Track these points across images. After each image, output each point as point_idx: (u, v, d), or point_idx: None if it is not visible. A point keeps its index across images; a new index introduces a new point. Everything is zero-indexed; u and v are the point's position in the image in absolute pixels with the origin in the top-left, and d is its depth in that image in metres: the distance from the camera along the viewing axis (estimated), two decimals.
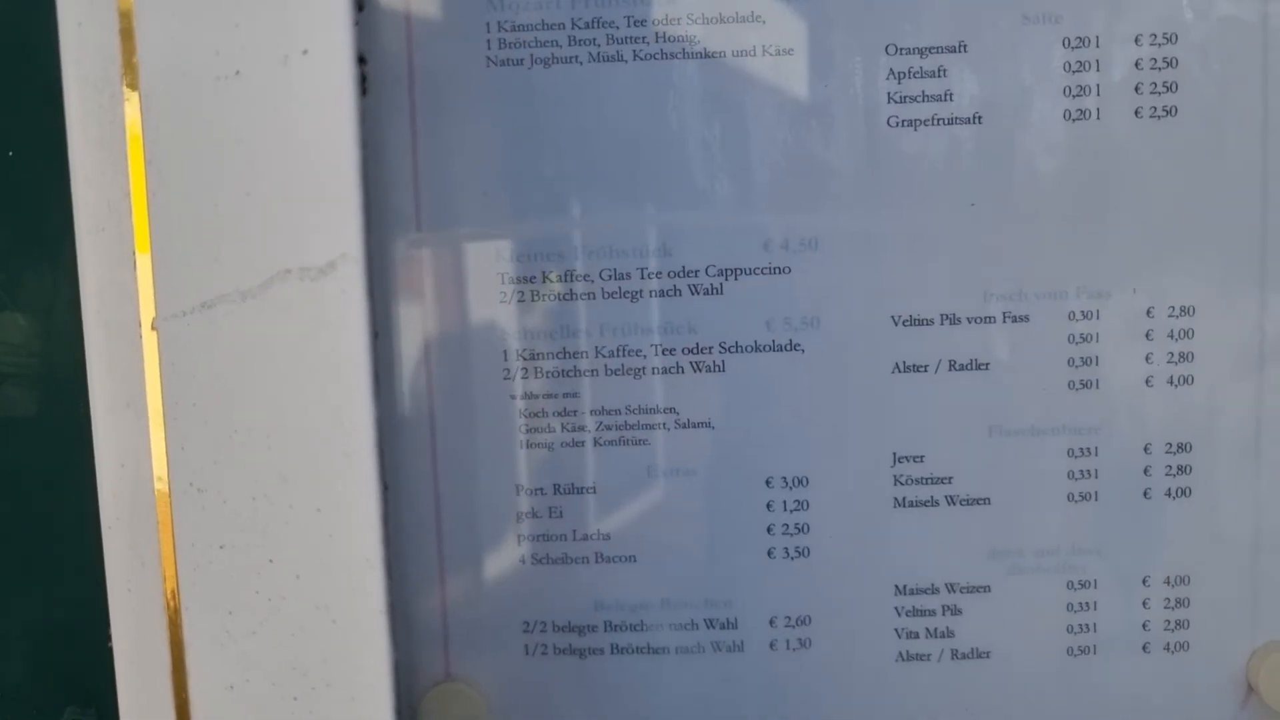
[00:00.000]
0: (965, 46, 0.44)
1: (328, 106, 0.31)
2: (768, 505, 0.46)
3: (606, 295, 0.45)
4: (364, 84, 0.32)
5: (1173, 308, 0.45)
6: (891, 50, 0.44)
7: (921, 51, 0.44)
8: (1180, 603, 0.46)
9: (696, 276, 0.45)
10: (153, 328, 0.36)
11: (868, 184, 0.45)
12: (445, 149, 0.44)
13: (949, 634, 0.46)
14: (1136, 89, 0.44)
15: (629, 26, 0.44)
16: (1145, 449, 0.46)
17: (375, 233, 0.36)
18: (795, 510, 0.46)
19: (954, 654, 0.46)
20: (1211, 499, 0.46)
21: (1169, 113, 0.44)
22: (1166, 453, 0.46)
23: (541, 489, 0.46)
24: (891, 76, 0.44)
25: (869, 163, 0.45)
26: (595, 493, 0.46)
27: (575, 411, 0.45)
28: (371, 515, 0.33)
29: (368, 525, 0.33)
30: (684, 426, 0.45)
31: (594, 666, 0.46)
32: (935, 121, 0.44)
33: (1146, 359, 0.45)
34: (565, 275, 0.45)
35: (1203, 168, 0.45)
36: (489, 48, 0.44)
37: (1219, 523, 0.46)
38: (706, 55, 0.44)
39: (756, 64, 0.44)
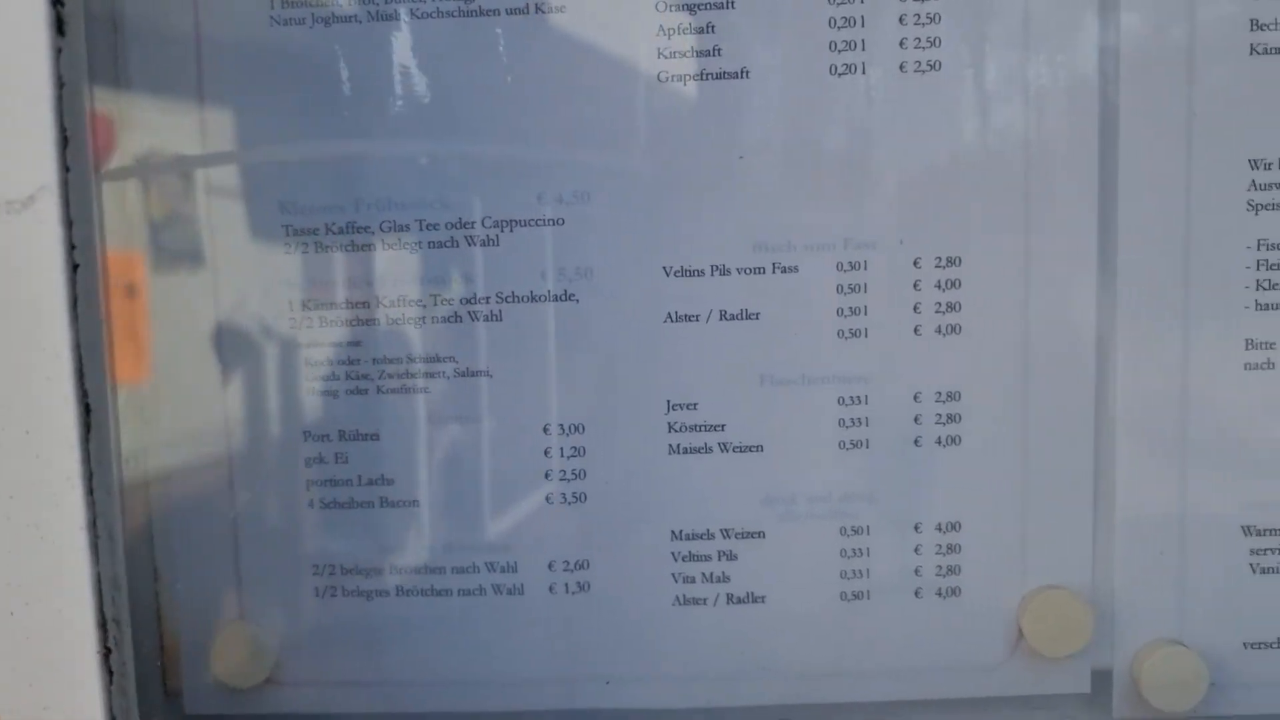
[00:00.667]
0: (733, 3, 0.45)
1: (22, 45, 0.32)
2: (545, 452, 0.47)
3: (386, 246, 0.46)
4: (60, 25, 0.33)
5: (939, 258, 0.46)
6: (661, 7, 0.45)
7: (690, 8, 0.45)
8: (951, 549, 0.47)
9: (473, 228, 0.46)
10: None
11: (639, 137, 0.46)
12: (233, 106, 0.46)
13: (724, 579, 0.47)
14: (901, 44, 0.45)
15: None
16: (915, 397, 0.47)
17: None
18: (572, 457, 0.47)
19: (729, 598, 0.48)
20: (981, 447, 0.47)
21: (933, 67, 0.45)
22: (936, 401, 0.47)
23: (327, 435, 0.47)
24: (662, 33, 0.45)
25: (640, 116, 0.46)
26: (378, 439, 0.47)
27: (358, 360, 0.47)
28: (71, 436, 0.34)
29: (68, 446, 0.34)
30: (463, 375, 0.47)
31: (380, 608, 0.48)
32: (704, 76, 0.45)
33: (914, 309, 0.46)
34: (346, 227, 0.46)
35: (966, 121, 0.45)
36: (273, 7, 0.45)
37: (988, 470, 0.47)
38: (482, 13, 0.45)
39: (530, 20, 0.45)
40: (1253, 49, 0.45)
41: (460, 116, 0.46)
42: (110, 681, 0.35)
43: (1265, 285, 0.46)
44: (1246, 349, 0.46)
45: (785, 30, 0.45)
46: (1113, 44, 0.45)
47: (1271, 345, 0.46)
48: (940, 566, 0.47)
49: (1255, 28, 0.45)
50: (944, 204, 0.46)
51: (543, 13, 0.45)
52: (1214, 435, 0.47)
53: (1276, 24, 0.45)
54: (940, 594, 0.47)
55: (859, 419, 0.47)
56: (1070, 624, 0.46)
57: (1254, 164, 0.46)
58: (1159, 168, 0.45)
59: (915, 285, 0.46)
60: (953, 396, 0.47)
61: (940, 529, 0.47)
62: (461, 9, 0.45)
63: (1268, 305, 0.46)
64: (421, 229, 0.46)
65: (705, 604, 0.47)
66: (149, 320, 0.46)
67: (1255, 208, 0.46)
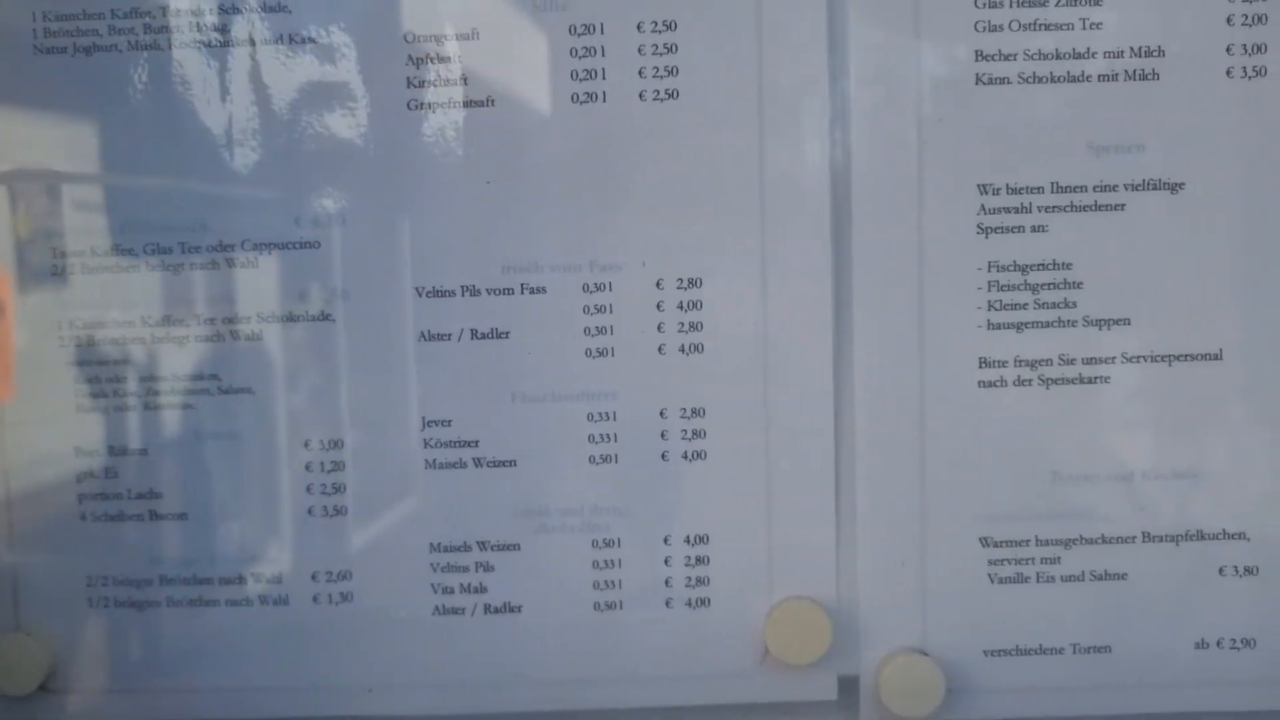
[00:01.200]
0: (478, 34, 0.47)
1: None
2: (306, 466, 0.49)
3: (150, 268, 0.48)
4: None
5: (681, 280, 0.48)
6: (410, 38, 0.47)
7: (438, 39, 0.47)
8: (700, 560, 0.49)
9: (233, 250, 0.48)
10: None
11: (390, 164, 0.47)
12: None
13: (482, 589, 0.49)
14: (640, 73, 0.47)
15: (164, 16, 0.47)
16: (661, 414, 0.48)
17: None
18: (332, 471, 0.49)
19: (487, 608, 0.49)
20: (726, 461, 0.48)
21: (671, 95, 0.47)
22: (681, 417, 0.48)
23: (97, 451, 0.49)
24: (411, 62, 0.47)
25: (392, 143, 0.47)
26: (147, 454, 0.49)
27: (125, 378, 0.48)
28: None
29: None
30: (226, 392, 0.48)
31: (151, 618, 0.49)
32: (452, 104, 0.47)
33: (658, 328, 0.48)
34: (113, 249, 0.48)
35: (704, 146, 0.47)
36: (35, 37, 0.47)
37: (734, 484, 0.48)
38: (239, 43, 0.47)
39: (283, 51, 0.47)
40: (978, 79, 0.47)
41: (220, 142, 0.47)
42: None
43: (996, 305, 0.48)
44: (980, 367, 0.48)
45: (528, 60, 0.47)
46: (843, 75, 0.47)
47: (1003, 363, 0.48)
48: (690, 578, 0.49)
49: (980, 58, 0.47)
50: (684, 227, 0.47)
51: (296, 43, 0.47)
52: (951, 450, 0.48)
53: (1000, 55, 0.47)
54: (690, 604, 0.49)
55: (608, 435, 0.48)
56: (810, 633, 0.48)
57: (982, 189, 0.47)
58: (891, 193, 0.47)
59: (659, 306, 0.48)
60: (697, 413, 0.48)
61: (689, 541, 0.49)
62: (219, 40, 0.47)
63: (999, 325, 0.48)
64: (183, 251, 0.48)
65: (464, 614, 0.49)
66: None
67: (985, 231, 0.48)
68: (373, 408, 0.48)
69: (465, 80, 0.47)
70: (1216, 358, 0.48)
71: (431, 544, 0.49)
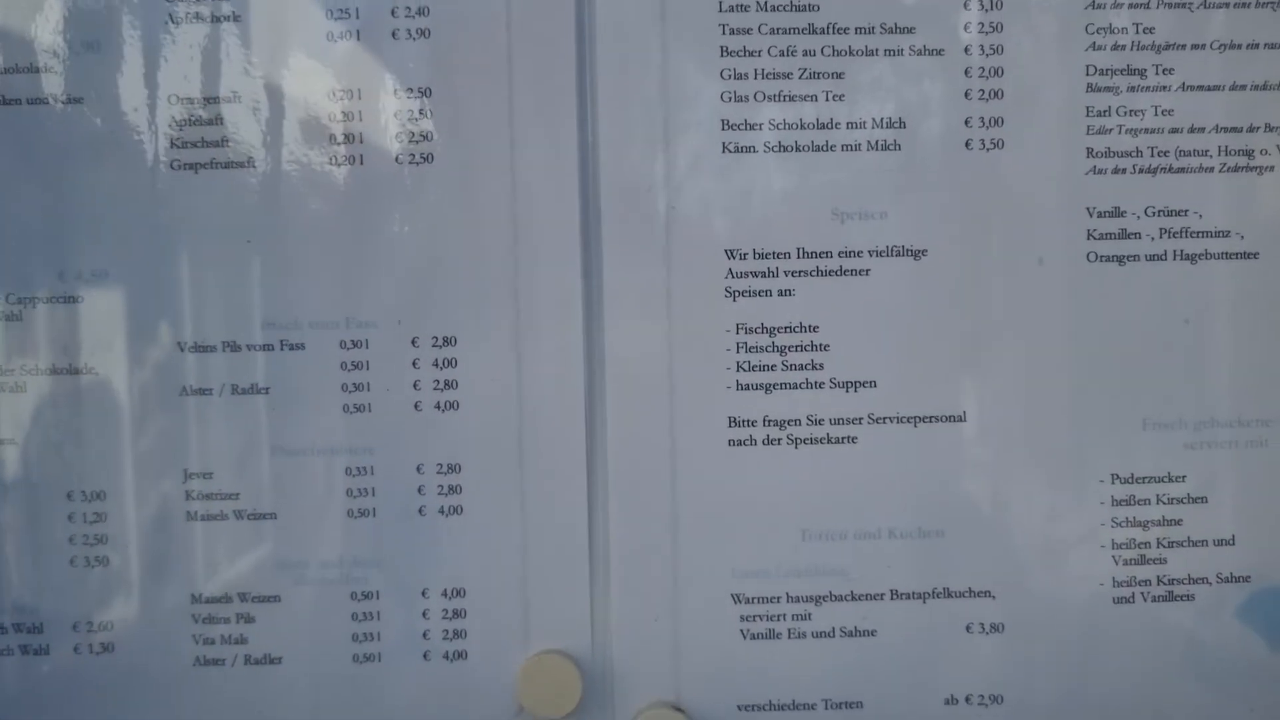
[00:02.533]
0: (239, 96, 0.48)
1: None
2: (69, 517, 0.49)
3: None
4: None
5: (436, 338, 0.49)
6: (173, 99, 0.48)
7: (203, 101, 0.48)
8: (457, 614, 0.50)
9: None
10: None
11: (152, 221, 0.48)
12: None
13: (242, 640, 0.50)
14: (396, 136, 0.48)
15: None
16: (418, 469, 0.49)
17: None
18: (95, 522, 0.49)
19: (247, 659, 0.50)
20: (482, 516, 0.49)
21: (426, 159, 0.48)
22: (438, 473, 0.49)
23: None
24: (174, 124, 0.48)
25: (156, 200, 0.48)
26: None
27: None
28: None
29: None
30: None
31: None
32: (214, 164, 0.48)
33: (414, 385, 0.49)
34: None
35: (458, 209, 0.48)
36: None
37: (490, 539, 0.49)
38: (7, 102, 0.48)
39: (52, 110, 0.48)
40: (725, 147, 0.49)
41: None
42: None
43: (745, 366, 0.49)
44: (730, 426, 0.49)
45: (290, 120, 0.48)
46: (593, 141, 0.48)
47: (753, 423, 0.49)
48: (447, 630, 0.50)
49: (726, 127, 0.48)
50: (439, 287, 0.49)
51: (64, 103, 0.48)
52: (702, 508, 0.49)
53: (746, 125, 0.48)
54: (448, 657, 0.50)
55: (366, 489, 0.49)
56: (561, 686, 0.49)
57: (730, 254, 0.49)
58: (641, 258, 0.49)
59: (414, 363, 0.49)
60: (453, 469, 0.49)
61: (446, 595, 0.50)
62: None
63: (748, 385, 0.49)
64: None
65: (224, 664, 0.50)
66: None
67: (733, 294, 0.49)
68: (135, 460, 0.49)
69: (226, 141, 0.48)
70: (960, 419, 0.50)
71: (192, 595, 0.49)
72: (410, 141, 0.48)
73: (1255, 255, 0.50)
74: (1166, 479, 0.50)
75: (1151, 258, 0.50)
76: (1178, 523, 0.50)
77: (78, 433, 0.49)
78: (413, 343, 0.49)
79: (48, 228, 0.49)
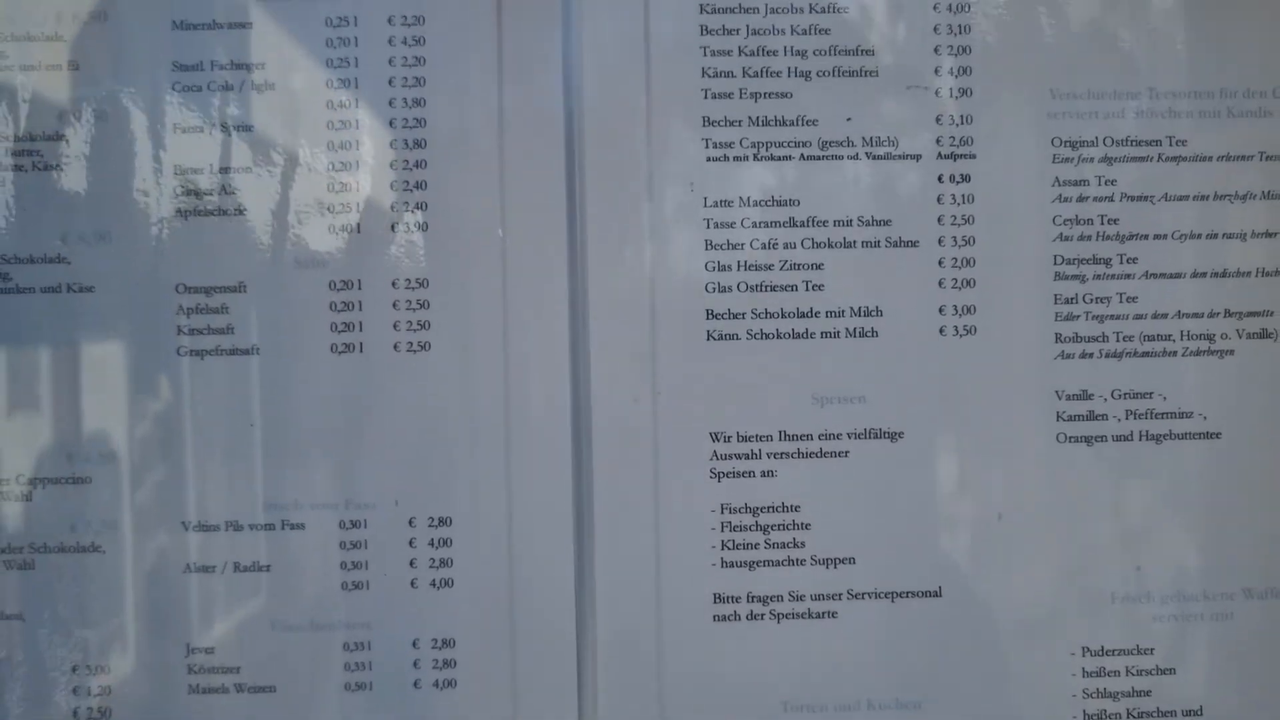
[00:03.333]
0: (245, 286, 0.50)
1: None
2: (74, 690, 0.51)
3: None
4: None
5: (432, 518, 0.51)
6: (181, 289, 0.50)
7: (207, 290, 0.50)
8: None
9: (6, 484, 0.50)
10: None
11: (160, 405, 0.50)
12: None
13: None
14: (395, 326, 0.50)
15: None
16: (414, 644, 0.51)
17: None
18: (99, 695, 0.51)
19: None
20: (474, 689, 0.51)
21: (424, 347, 0.50)
22: (433, 647, 0.51)
23: None
24: (181, 311, 0.50)
25: (163, 385, 0.50)
26: None
27: None
28: None
29: None
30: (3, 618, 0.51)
31: None
32: (219, 351, 0.50)
33: (410, 564, 0.51)
34: None
35: (449, 393, 0.50)
36: None
37: (481, 713, 0.51)
38: (20, 290, 0.50)
39: (62, 299, 0.50)
40: (709, 335, 0.51)
41: None
42: None
43: (730, 545, 0.51)
44: (714, 602, 0.51)
45: (292, 311, 0.50)
46: (583, 329, 0.50)
47: (737, 599, 0.51)
48: None
49: (711, 317, 0.51)
50: (434, 468, 0.51)
51: (73, 291, 0.50)
52: (687, 681, 0.51)
53: (729, 314, 0.51)
54: None
55: (363, 663, 0.51)
56: None
57: (715, 436, 0.51)
58: (628, 442, 0.51)
59: (411, 542, 0.51)
60: (448, 643, 0.51)
61: None
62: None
63: (732, 563, 0.51)
64: None
65: None
66: None
67: (718, 475, 0.51)
68: (140, 635, 0.51)
69: (232, 329, 0.50)
70: (936, 594, 0.51)
71: None
72: (409, 330, 0.50)
73: (1218, 435, 0.52)
74: (1135, 651, 0.52)
75: (1119, 438, 0.52)
76: (1147, 693, 0.52)
77: (86, 608, 0.51)
78: (409, 522, 0.51)
79: (59, 409, 0.50)
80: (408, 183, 0.50)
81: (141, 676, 0.51)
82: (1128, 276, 0.52)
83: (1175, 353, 0.52)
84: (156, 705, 0.51)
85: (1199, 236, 0.52)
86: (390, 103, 0.51)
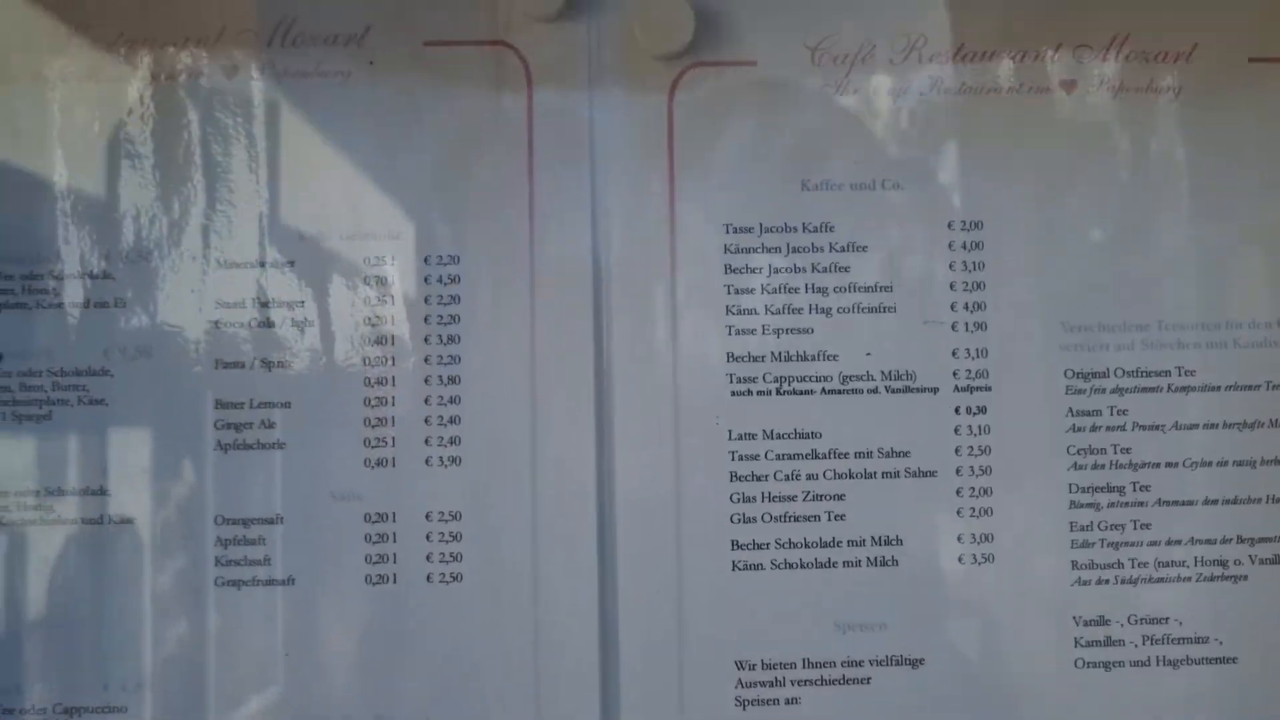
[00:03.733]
0: (282, 518, 0.52)
1: None
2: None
3: None
4: None
5: None
6: (219, 520, 0.52)
7: (245, 521, 0.52)
8: None
9: (45, 713, 0.51)
10: None
11: (197, 639, 0.51)
12: None
13: None
14: (428, 558, 0.52)
15: None
16: None
17: None
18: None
19: None
20: None
21: (455, 579, 0.52)
22: None
23: None
24: (219, 543, 0.52)
25: (203, 619, 0.51)
26: None
27: None
28: None
29: None
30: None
31: None
32: (255, 582, 0.52)
33: None
34: None
35: (483, 622, 0.52)
36: None
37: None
38: (62, 521, 0.52)
39: (99, 529, 0.52)
40: (734, 565, 0.52)
41: None
42: None
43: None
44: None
45: (326, 541, 0.52)
46: (611, 567, 0.52)
47: None
48: None
49: (736, 547, 0.52)
50: (466, 687, 0.51)
51: (110, 522, 0.51)
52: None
53: (754, 544, 0.52)
54: None
55: None
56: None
57: (739, 665, 0.52)
58: (655, 673, 0.52)
59: None
60: None
61: None
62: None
63: None
64: None
65: None
66: None
67: (743, 703, 0.52)
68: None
69: (268, 560, 0.52)
70: None
71: None
72: (441, 561, 0.52)
73: (1234, 660, 0.53)
74: None
75: (1135, 664, 0.53)
76: None
77: None
78: None
79: (92, 639, 0.51)
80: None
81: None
82: (1141, 504, 0.53)
83: (1189, 578, 0.53)
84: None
85: (1209, 464, 0.53)
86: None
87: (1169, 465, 0.53)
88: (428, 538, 0.52)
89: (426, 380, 0.52)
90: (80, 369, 0.52)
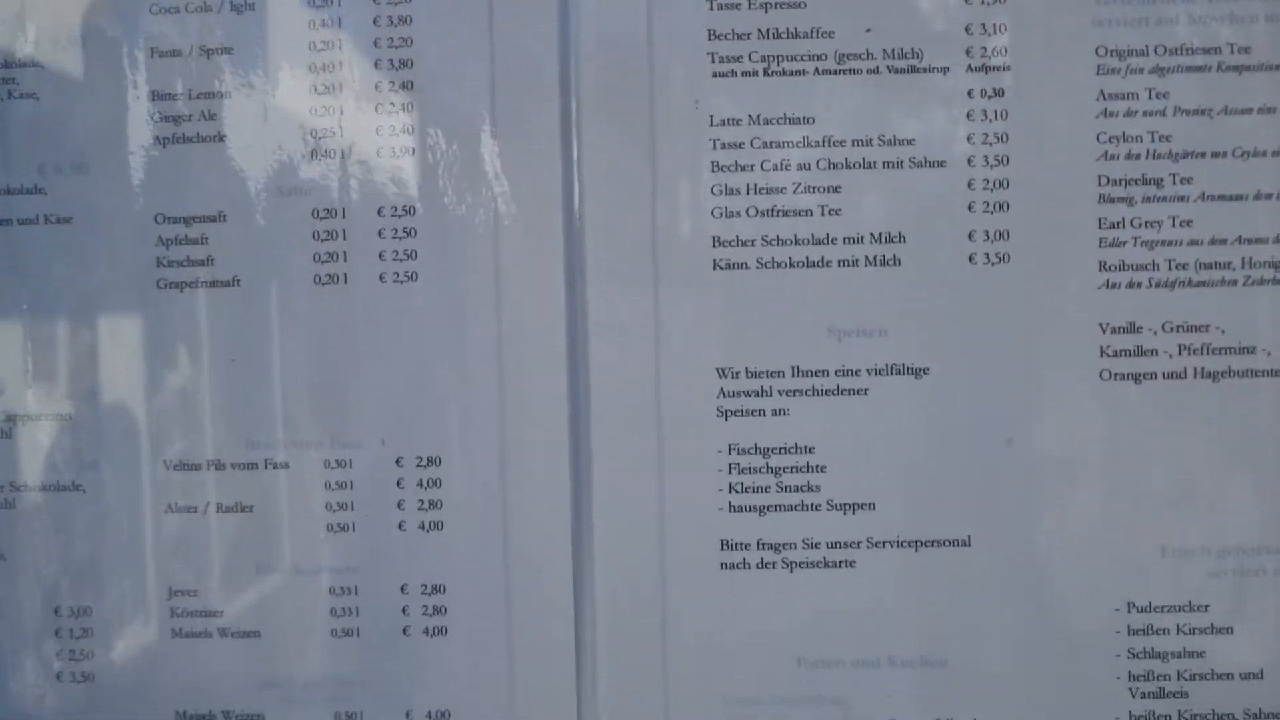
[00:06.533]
0: (225, 216, 0.48)
1: None
2: (55, 632, 0.49)
3: None
4: None
5: (420, 458, 0.48)
6: (160, 219, 0.48)
7: (186, 220, 0.48)
8: None
9: None
10: None
11: (138, 340, 0.48)
12: None
13: None
14: (380, 255, 0.48)
15: None
16: (402, 589, 0.48)
17: None
18: (80, 638, 0.49)
19: None
20: (467, 638, 0.48)
21: (410, 277, 0.48)
22: (422, 593, 0.48)
23: None
24: (160, 243, 0.48)
25: (139, 321, 0.48)
26: None
27: None
28: None
29: None
30: None
31: None
32: (198, 283, 0.48)
33: (398, 505, 0.48)
34: None
35: (442, 329, 0.48)
36: None
37: (475, 662, 0.48)
38: None
39: (38, 229, 0.48)
40: (715, 264, 0.47)
41: None
42: None
43: (738, 488, 0.47)
44: (722, 549, 0.48)
45: (272, 241, 0.48)
46: (579, 245, 0.47)
47: (746, 546, 0.48)
48: None
49: (717, 244, 0.47)
50: (423, 407, 0.48)
51: (51, 223, 0.48)
52: (694, 633, 0.48)
53: (737, 241, 0.47)
54: None
55: (350, 609, 0.48)
56: None
57: (721, 372, 0.47)
58: (629, 375, 0.47)
59: (399, 483, 0.48)
60: (438, 589, 0.48)
61: (431, 717, 0.49)
62: None
63: (741, 507, 0.48)
64: None
65: None
66: None
67: (725, 414, 0.47)
68: (121, 577, 0.49)
69: (211, 260, 0.48)
70: (965, 544, 0.47)
71: (177, 713, 0.49)
72: (394, 260, 0.47)
73: None
74: (1187, 608, 0.47)
75: (1169, 375, 0.47)
76: (1200, 654, 0.47)
77: (65, 549, 0.49)
78: (397, 462, 0.48)
79: (35, 344, 0.49)
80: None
81: (122, 619, 0.49)
82: (1181, 199, 0.47)
83: (1235, 281, 0.47)
84: (139, 648, 0.49)
85: (1264, 154, 0.47)
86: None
87: (1215, 155, 0.47)
88: (379, 234, 0.48)
89: (376, 43, 0.47)
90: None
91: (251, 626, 0.49)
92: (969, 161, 0.47)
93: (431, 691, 0.48)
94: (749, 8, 0.47)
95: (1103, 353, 0.47)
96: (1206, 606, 0.47)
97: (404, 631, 0.48)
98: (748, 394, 0.47)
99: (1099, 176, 0.47)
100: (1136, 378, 0.47)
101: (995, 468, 0.47)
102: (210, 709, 0.49)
